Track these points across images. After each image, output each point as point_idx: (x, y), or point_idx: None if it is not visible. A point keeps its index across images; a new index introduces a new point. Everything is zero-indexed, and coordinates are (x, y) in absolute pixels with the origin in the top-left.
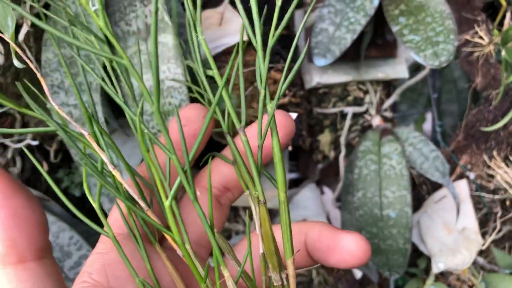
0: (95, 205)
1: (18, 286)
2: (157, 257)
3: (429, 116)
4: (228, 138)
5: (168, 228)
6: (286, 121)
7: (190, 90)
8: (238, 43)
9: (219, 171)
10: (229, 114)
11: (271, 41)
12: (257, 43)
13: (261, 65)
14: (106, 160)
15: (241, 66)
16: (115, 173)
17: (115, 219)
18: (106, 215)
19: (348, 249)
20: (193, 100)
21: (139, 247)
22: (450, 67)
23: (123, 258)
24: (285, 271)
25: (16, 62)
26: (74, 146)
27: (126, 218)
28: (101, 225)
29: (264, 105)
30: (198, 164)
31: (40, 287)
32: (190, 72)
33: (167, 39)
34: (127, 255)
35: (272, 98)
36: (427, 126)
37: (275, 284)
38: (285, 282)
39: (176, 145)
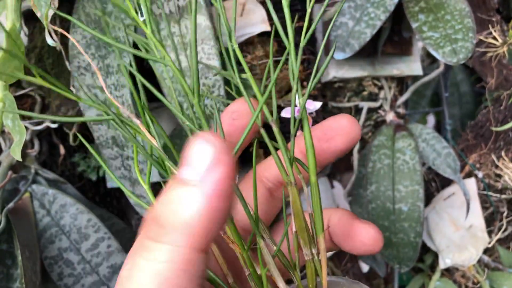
0: (145, 186)
1: None
2: None
3: (430, 119)
4: (262, 131)
5: None
6: (351, 126)
7: (224, 70)
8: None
9: (275, 166)
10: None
11: (303, 42)
12: (290, 43)
13: (293, 62)
14: (156, 144)
15: (271, 63)
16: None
17: None
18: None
19: (360, 238)
20: (227, 80)
21: None
22: (453, 71)
23: None
24: (316, 247)
25: (49, 40)
26: (126, 132)
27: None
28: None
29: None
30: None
31: None
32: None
33: (200, 20)
34: None
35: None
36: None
37: (306, 259)
38: (315, 257)
39: (227, 137)
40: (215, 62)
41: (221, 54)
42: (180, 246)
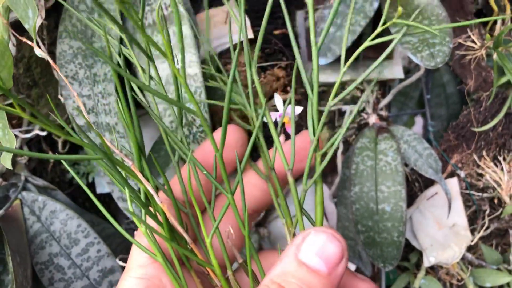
0: (147, 238)
1: None
2: (191, 283)
3: (418, 119)
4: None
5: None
6: None
7: (204, 77)
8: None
9: (253, 195)
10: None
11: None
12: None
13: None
14: (152, 191)
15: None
16: (163, 206)
17: (146, 246)
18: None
19: None
20: (208, 88)
21: (177, 275)
22: (439, 72)
23: (173, 282)
24: None
25: (37, 51)
26: (115, 174)
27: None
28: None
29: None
30: None
31: None
32: (202, 61)
33: (182, 29)
34: (167, 280)
35: (274, 90)
36: (417, 128)
37: None
38: None
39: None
40: (196, 70)
41: (202, 62)
42: None
